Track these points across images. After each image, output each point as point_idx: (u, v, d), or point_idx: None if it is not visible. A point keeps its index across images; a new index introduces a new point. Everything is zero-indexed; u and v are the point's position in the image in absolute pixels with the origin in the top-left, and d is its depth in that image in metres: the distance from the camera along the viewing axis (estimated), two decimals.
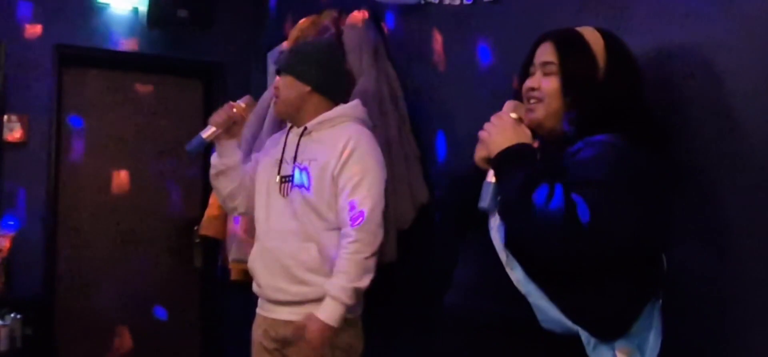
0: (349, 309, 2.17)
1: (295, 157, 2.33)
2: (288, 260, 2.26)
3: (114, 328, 4.19)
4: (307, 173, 2.28)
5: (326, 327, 2.13)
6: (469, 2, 2.50)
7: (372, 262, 2.20)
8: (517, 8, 2.28)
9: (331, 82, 2.40)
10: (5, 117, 3.86)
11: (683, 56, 1.66)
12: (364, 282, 2.18)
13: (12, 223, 3.81)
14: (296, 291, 2.25)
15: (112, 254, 4.25)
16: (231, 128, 2.37)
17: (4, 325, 3.43)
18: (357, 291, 2.17)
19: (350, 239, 2.18)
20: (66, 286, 4.11)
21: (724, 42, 1.57)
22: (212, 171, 2.44)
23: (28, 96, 3.95)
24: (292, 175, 2.31)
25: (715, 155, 1.57)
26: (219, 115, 2.35)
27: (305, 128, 2.34)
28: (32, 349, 3.56)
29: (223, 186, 2.44)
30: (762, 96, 1.48)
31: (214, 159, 2.42)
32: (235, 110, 2.35)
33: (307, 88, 2.34)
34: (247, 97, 2.41)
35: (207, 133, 2.32)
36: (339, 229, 2.26)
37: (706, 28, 1.61)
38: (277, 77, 2.40)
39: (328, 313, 2.14)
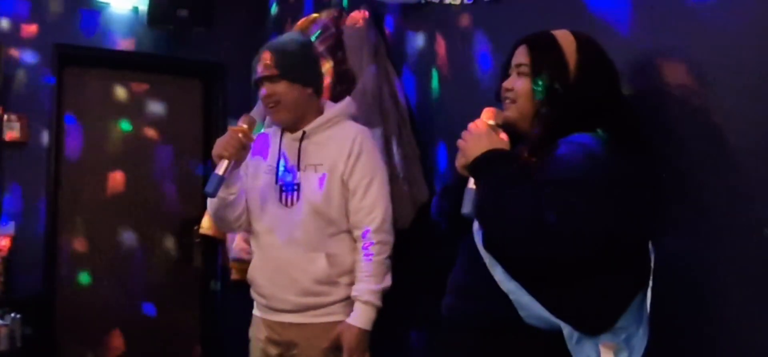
0: (378, 311, 2.20)
1: (298, 165, 2.26)
2: (296, 272, 2.22)
3: (114, 327, 4.20)
4: (321, 179, 2.23)
5: (362, 332, 2.17)
6: (470, 2, 2.50)
7: (390, 261, 2.24)
8: (518, 9, 2.28)
9: (321, 81, 2.40)
10: (5, 116, 3.86)
11: (672, 56, 1.67)
12: (388, 282, 2.23)
13: (12, 222, 3.81)
14: (304, 302, 2.23)
15: (111, 254, 4.24)
16: (239, 155, 2.18)
17: (3, 325, 3.42)
18: (384, 291, 2.21)
19: (371, 242, 2.20)
20: (66, 285, 4.10)
21: (712, 43, 1.57)
22: (218, 204, 2.24)
23: (27, 96, 3.95)
24: (299, 183, 2.24)
25: (702, 152, 1.58)
26: (230, 146, 2.12)
27: (304, 132, 2.28)
28: (32, 348, 3.56)
29: (230, 213, 2.28)
30: (747, 94, 1.49)
31: (221, 192, 2.19)
32: (241, 135, 2.15)
33: (309, 90, 2.28)
34: (245, 117, 2.22)
35: (222, 168, 2.11)
36: (345, 232, 2.25)
37: (693, 29, 1.62)
38: (268, 83, 2.24)
39: (363, 318, 2.18)
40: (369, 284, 2.18)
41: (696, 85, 1.60)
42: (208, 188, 2.10)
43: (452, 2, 2.57)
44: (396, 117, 2.70)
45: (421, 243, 2.57)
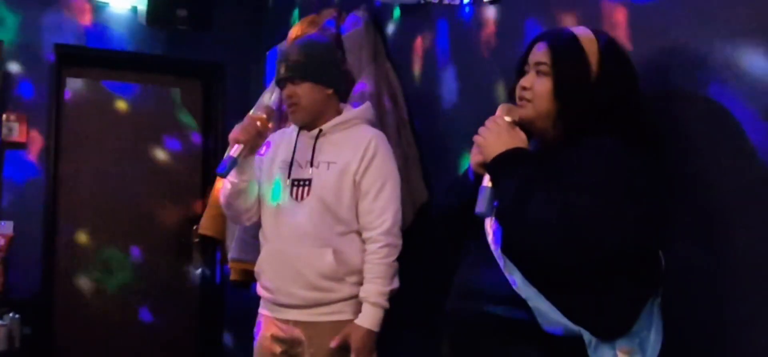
0: (386, 312, 2.22)
1: (311, 161, 2.29)
2: (303, 266, 2.24)
3: (112, 328, 4.19)
4: (333, 175, 2.25)
5: (370, 333, 2.19)
6: (469, 2, 2.50)
7: (397, 265, 2.26)
8: (518, 9, 2.28)
9: (345, 83, 2.41)
10: (4, 117, 3.86)
11: (683, 56, 1.66)
12: (395, 284, 2.25)
13: (11, 222, 3.81)
14: (309, 296, 2.24)
15: (111, 254, 4.24)
16: (255, 142, 2.22)
17: (2, 325, 3.42)
18: (392, 293, 2.23)
19: (380, 244, 2.22)
20: (64, 286, 4.10)
21: (724, 42, 1.57)
22: (231, 190, 2.27)
23: (27, 96, 3.95)
24: (310, 179, 2.27)
25: (713, 154, 1.58)
26: (246, 131, 2.17)
27: (320, 130, 2.31)
28: (31, 349, 3.56)
29: (242, 202, 2.30)
30: (760, 96, 1.48)
31: (233, 177, 2.23)
32: (259, 123, 2.20)
33: (330, 91, 2.31)
34: (265, 107, 2.30)
35: (236, 151, 2.15)
36: (355, 232, 2.27)
37: (706, 28, 1.61)
38: (289, 85, 2.26)
39: (371, 319, 2.19)
40: (378, 286, 2.20)
41: (707, 88, 1.59)
42: (220, 169, 2.15)
43: (451, 2, 2.57)
44: (395, 118, 2.70)
45: (421, 243, 2.57)
